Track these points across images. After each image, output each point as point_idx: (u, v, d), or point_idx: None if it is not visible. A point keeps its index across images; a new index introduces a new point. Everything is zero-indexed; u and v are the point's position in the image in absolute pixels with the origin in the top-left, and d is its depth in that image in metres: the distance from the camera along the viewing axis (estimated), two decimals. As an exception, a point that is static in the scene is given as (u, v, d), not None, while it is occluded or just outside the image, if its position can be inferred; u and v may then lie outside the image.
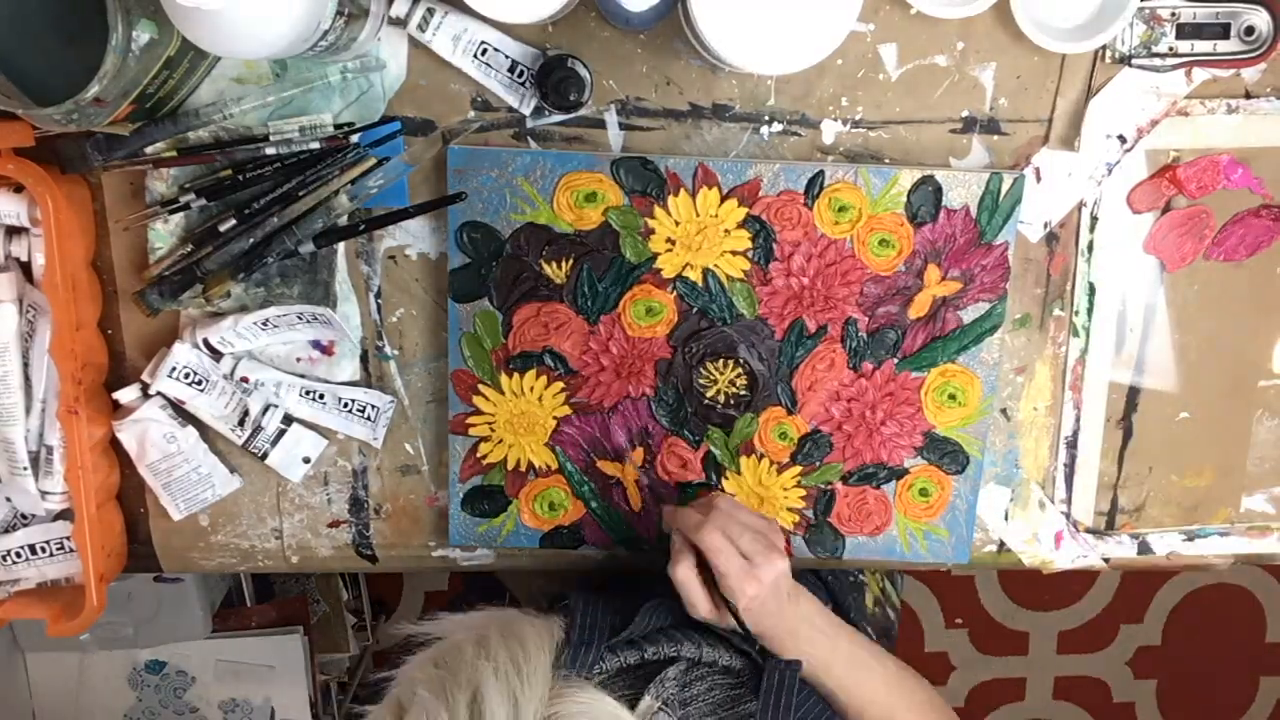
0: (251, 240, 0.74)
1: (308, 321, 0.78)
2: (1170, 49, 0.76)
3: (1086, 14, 0.75)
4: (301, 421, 0.82)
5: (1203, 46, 0.76)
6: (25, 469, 0.79)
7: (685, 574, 0.71)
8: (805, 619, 0.74)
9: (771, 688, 0.68)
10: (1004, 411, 0.85)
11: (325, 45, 0.66)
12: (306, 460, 0.82)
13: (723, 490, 0.83)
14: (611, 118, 0.77)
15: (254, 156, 0.74)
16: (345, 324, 0.79)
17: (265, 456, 0.81)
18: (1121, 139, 0.79)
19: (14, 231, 0.77)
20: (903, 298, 0.80)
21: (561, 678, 0.59)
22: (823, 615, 0.75)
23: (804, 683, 0.72)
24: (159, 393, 0.79)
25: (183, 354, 0.77)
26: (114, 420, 0.80)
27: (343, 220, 0.76)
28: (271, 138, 0.74)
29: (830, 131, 0.78)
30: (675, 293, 0.79)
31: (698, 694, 0.67)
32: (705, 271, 0.78)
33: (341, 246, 0.79)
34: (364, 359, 0.82)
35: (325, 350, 0.81)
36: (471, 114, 0.77)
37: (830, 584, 1.00)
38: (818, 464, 0.83)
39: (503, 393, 0.81)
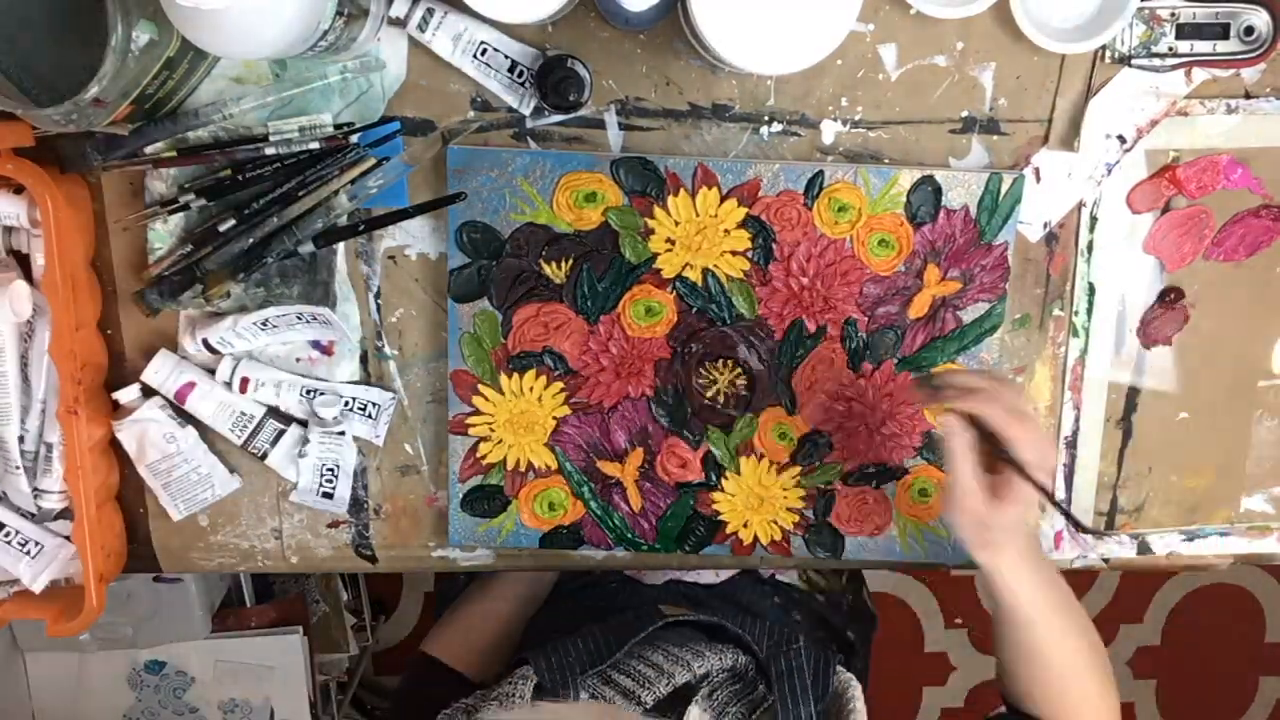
0: (251, 240, 0.74)
1: (307, 321, 0.78)
2: (1170, 49, 0.76)
3: (1086, 14, 0.75)
4: (301, 421, 0.82)
5: (1202, 47, 0.76)
6: (18, 467, 0.79)
7: (967, 469, 0.69)
8: (1028, 537, 0.74)
9: (783, 673, 0.69)
10: (1004, 411, 0.85)
11: (325, 45, 0.66)
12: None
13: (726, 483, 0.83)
14: (611, 118, 0.77)
15: (254, 156, 0.74)
16: (345, 324, 0.79)
17: (265, 457, 0.81)
18: (1121, 139, 0.79)
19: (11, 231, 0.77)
20: (902, 298, 0.80)
21: None
22: (1037, 542, 0.78)
23: (809, 657, 0.73)
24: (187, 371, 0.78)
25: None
26: (113, 420, 0.80)
27: (342, 220, 0.76)
28: (271, 138, 0.74)
29: (830, 131, 0.78)
30: (675, 293, 0.79)
31: (724, 701, 0.68)
32: (705, 272, 0.78)
33: (341, 246, 0.79)
34: (363, 359, 0.82)
35: (325, 350, 0.81)
36: (471, 114, 0.77)
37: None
38: (817, 464, 0.83)
39: (502, 393, 0.81)
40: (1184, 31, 0.76)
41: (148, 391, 0.80)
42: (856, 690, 0.73)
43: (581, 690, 0.69)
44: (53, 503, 0.81)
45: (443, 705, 0.69)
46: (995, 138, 0.78)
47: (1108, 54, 0.77)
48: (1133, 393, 0.85)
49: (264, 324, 0.77)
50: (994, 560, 0.72)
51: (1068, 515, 0.73)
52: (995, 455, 0.69)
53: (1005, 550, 0.71)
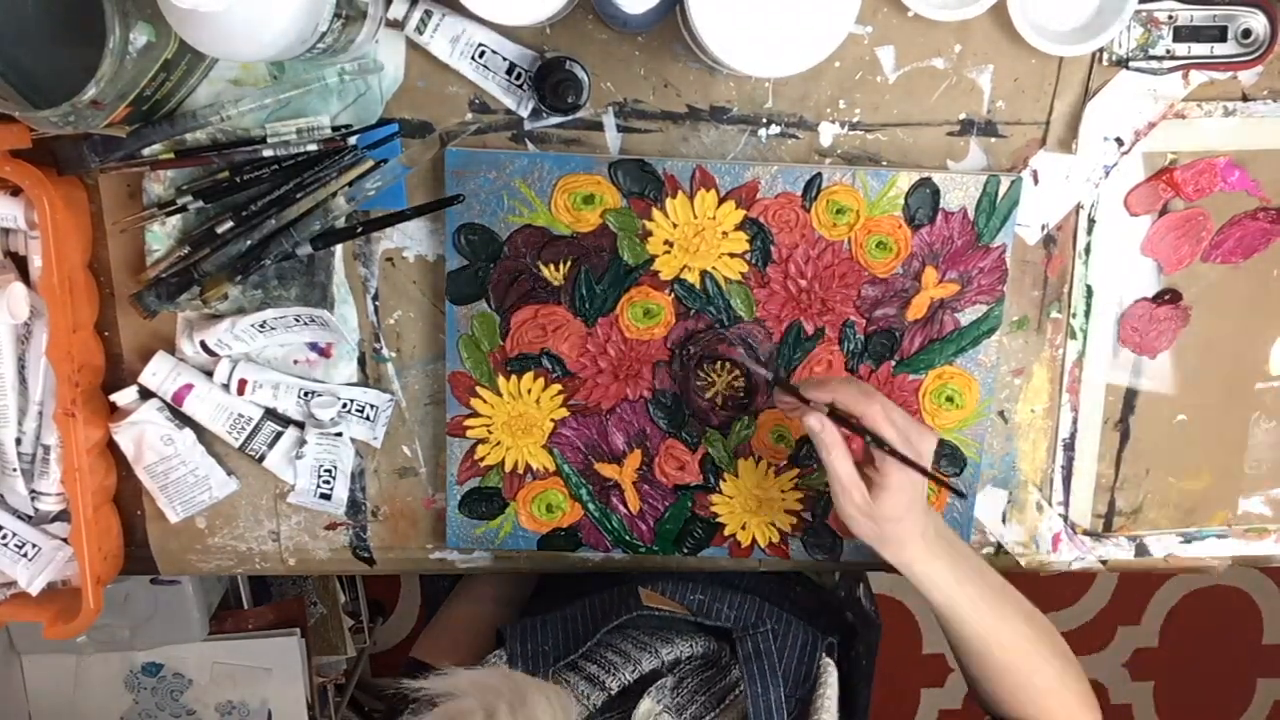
0: (249, 242, 0.74)
1: (305, 324, 0.78)
2: (1167, 52, 0.77)
3: (1084, 17, 0.75)
4: (298, 423, 0.82)
5: (1200, 49, 0.77)
6: (15, 470, 0.79)
7: (842, 459, 0.66)
8: (937, 527, 0.71)
9: (750, 655, 0.68)
10: (1001, 414, 0.85)
11: (323, 47, 0.66)
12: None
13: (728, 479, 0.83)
14: (609, 120, 0.77)
15: (251, 158, 0.74)
16: (343, 326, 0.79)
17: (263, 459, 0.81)
18: (1119, 141, 0.79)
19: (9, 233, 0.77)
20: (900, 300, 0.80)
21: None
22: (952, 533, 0.74)
23: (776, 638, 0.71)
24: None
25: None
26: (111, 422, 0.80)
27: (340, 222, 0.76)
28: (269, 140, 0.74)
29: (828, 134, 0.78)
30: (673, 295, 0.79)
31: (693, 690, 0.67)
32: (703, 274, 0.78)
33: (339, 248, 0.79)
34: (361, 361, 0.81)
35: (323, 352, 0.81)
36: (469, 116, 0.77)
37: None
38: (815, 466, 0.83)
39: (500, 395, 0.80)
40: (1181, 34, 0.76)
41: (145, 393, 0.80)
42: (831, 676, 0.71)
43: (550, 678, 0.68)
44: (50, 505, 0.81)
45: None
46: (993, 140, 0.79)
47: (1105, 56, 0.77)
48: (1130, 395, 0.85)
49: (262, 326, 0.77)
50: (900, 555, 0.69)
51: (950, 488, 0.69)
52: (869, 445, 0.67)
53: (909, 543, 0.69)
